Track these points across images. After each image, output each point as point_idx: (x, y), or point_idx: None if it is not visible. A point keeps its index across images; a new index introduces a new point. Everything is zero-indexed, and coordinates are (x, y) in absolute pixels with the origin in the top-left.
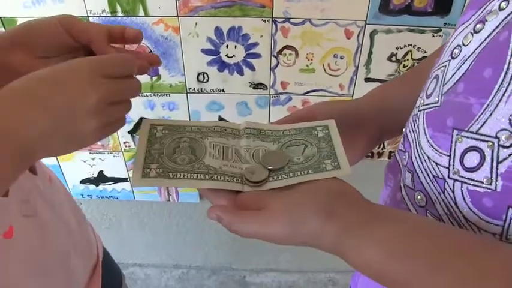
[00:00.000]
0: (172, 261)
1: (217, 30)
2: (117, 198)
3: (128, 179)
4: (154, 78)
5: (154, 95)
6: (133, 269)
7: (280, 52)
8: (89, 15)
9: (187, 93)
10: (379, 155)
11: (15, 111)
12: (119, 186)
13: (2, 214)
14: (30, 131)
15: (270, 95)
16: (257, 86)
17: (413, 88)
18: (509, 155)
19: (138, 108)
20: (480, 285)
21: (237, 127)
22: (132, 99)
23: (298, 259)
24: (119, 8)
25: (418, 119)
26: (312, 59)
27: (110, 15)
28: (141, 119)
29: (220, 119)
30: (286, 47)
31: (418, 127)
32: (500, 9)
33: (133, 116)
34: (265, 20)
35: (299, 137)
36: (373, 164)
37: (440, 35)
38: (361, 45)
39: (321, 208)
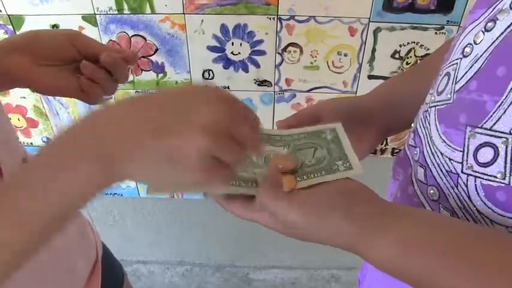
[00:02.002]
0: (176, 258)
1: (223, 28)
2: (122, 195)
3: None
4: (160, 75)
5: None
6: (137, 265)
7: (285, 49)
8: (96, 12)
9: None
10: (382, 151)
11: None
12: (123, 183)
13: None
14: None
15: (274, 92)
16: (262, 83)
17: (419, 83)
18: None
19: None
20: (499, 275)
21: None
22: None
23: (301, 256)
24: (125, 6)
25: (429, 115)
26: (316, 56)
27: (116, 12)
28: None
29: None
30: (291, 44)
31: (429, 123)
32: (506, 12)
33: None
34: (270, 18)
35: (308, 140)
36: (376, 160)
37: (443, 33)
38: (365, 42)
39: (337, 208)
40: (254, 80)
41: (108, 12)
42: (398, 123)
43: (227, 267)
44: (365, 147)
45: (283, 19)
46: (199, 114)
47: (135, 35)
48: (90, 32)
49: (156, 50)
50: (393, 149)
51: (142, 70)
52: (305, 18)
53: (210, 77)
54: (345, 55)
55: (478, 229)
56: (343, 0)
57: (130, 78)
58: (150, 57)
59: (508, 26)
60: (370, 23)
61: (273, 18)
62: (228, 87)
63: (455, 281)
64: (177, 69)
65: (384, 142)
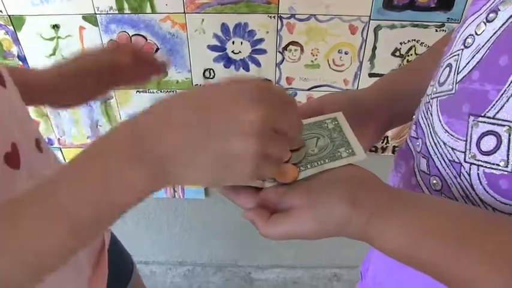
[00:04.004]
0: (178, 258)
1: (224, 27)
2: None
3: None
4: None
5: (161, 91)
6: (138, 266)
7: (285, 48)
8: (97, 12)
9: None
10: (383, 149)
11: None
12: None
13: (11, 184)
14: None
15: None
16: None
17: (421, 75)
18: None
19: (145, 104)
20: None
21: None
22: (138, 96)
23: (303, 255)
24: (126, 5)
25: (431, 106)
26: (317, 55)
27: (117, 12)
28: None
29: None
30: (292, 42)
31: (431, 114)
32: (507, 3)
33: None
34: (271, 16)
35: (310, 131)
36: (377, 158)
37: (443, 30)
38: (366, 40)
39: (344, 197)
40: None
41: (109, 12)
42: (400, 117)
43: (229, 267)
44: (368, 140)
45: (283, 18)
46: (247, 113)
47: (135, 34)
48: (91, 32)
49: (157, 49)
50: (394, 146)
51: None
52: (305, 16)
53: (211, 76)
54: (346, 53)
55: (490, 216)
56: None
57: None
58: None
59: (510, 16)
60: (371, 21)
61: (274, 17)
62: None
63: (468, 269)
64: (178, 68)
65: (385, 140)
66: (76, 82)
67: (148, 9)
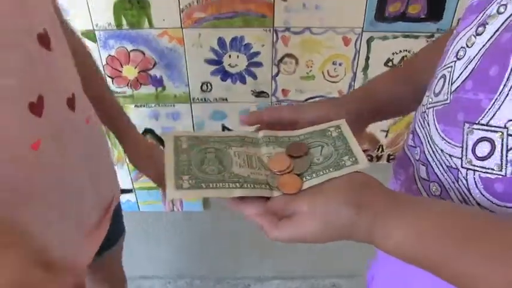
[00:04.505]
0: (177, 271)
1: (220, 41)
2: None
3: (133, 190)
4: (159, 88)
5: (159, 105)
6: (139, 281)
7: (281, 60)
8: (95, 28)
9: (191, 102)
10: (378, 158)
11: None
12: (123, 197)
13: (33, 129)
14: None
15: (271, 102)
16: (259, 94)
17: (402, 82)
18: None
19: (143, 119)
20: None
21: (255, 136)
22: (137, 111)
23: (302, 265)
24: (124, 21)
25: (427, 116)
26: (311, 66)
27: (115, 28)
28: (146, 130)
29: (224, 127)
30: (287, 55)
31: (428, 123)
32: (499, 12)
33: (138, 127)
34: (266, 30)
35: (314, 139)
36: (373, 166)
37: (434, 40)
38: (359, 51)
39: (349, 201)
40: (251, 91)
41: (107, 28)
42: (371, 118)
43: (228, 279)
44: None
45: (279, 31)
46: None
47: (134, 49)
48: (90, 47)
49: (155, 64)
50: (389, 155)
51: (141, 84)
52: (300, 29)
53: (208, 90)
54: (340, 64)
55: (491, 216)
56: (337, 11)
57: (130, 92)
58: (149, 72)
59: (497, 29)
60: (364, 32)
61: (269, 30)
62: (226, 99)
63: (471, 267)
64: (176, 82)
65: (380, 149)
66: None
67: (146, 25)
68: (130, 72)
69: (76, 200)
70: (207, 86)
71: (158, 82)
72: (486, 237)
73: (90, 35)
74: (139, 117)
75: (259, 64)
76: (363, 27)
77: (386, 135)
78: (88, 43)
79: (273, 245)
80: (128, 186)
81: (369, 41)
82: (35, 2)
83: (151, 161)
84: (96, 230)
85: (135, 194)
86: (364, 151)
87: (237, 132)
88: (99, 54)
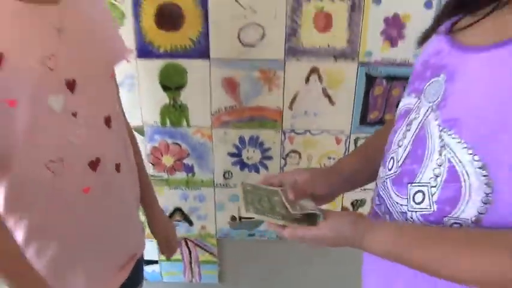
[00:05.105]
0: None
1: (241, 139)
2: (147, 279)
3: (158, 262)
4: (190, 174)
5: (189, 188)
6: None
7: (287, 155)
8: (144, 124)
9: (214, 187)
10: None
11: None
12: (149, 268)
13: (87, 179)
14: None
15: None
16: None
17: (365, 160)
18: (436, 191)
19: (174, 199)
20: (465, 256)
21: (277, 190)
22: (170, 192)
23: None
24: (168, 121)
25: (386, 183)
26: (311, 160)
27: (160, 125)
28: (176, 208)
29: (241, 209)
30: (292, 151)
31: (387, 188)
32: (415, 118)
33: (169, 205)
34: (276, 131)
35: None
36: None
37: (381, 127)
38: (348, 149)
39: (350, 222)
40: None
41: (154, 125)
42: (340, 190)
43: None
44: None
45: (286, 132)
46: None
47: (173, 142)
48: (138, 139)
49: (188, 154)
50: None
51: (175, 170)
52: (302, 131)
53: (229, 177)
54: (334, 158)
55: (444, 228)
56: (330, 118)
57: (165, 177)
58: (183, 160)
59: (417, 127)
60: (351, 134)
61: (279, 132)
62: None
63: (429, 257)
64: (204, 170)
65: None
66: None
67: (184, 124)
68: (168, 160)
69: (111, 243)
70: (228, 174)
71: (189, 169)
72: (435, 238)
73: (140, 129)
74: (171, 197)
75: (270, 157)
76: (350, 130)
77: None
78: (137, 136)
79: None
80: (155, 257)
81: (356, 141)
82: (108, 96)
83: (164, 230)
84: (119, 272)
85: (160, 265)
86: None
87: (275, 188)
88: (145, 145)
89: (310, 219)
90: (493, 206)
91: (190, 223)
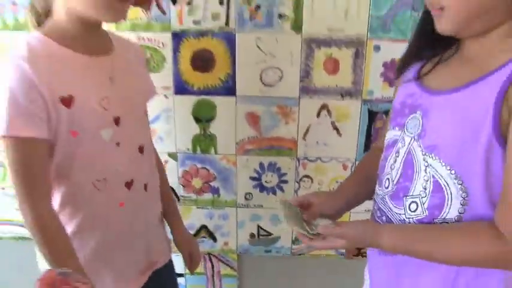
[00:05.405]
0: None
1: (261, 165)
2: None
3: (183, 275)
4: (215, 195)
5: (214, 208)
6: None
7: (301, 179)
8: (178, 151)
9: (236, 207)
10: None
11: None
12: None
13: (123, 195)
14: None
15: None
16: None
17: (363, 182)
18: (426, 200)
19: (201, 217)
20: (454, 247)
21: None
22: (197, 211)
23: None
24: (198, 148)
25: (385, 199)
26: (322, 184)
27: (191, 152)
28: (202, 226)
29: (259, 227)
30: (305, 176)
31: (386, 203)
32: (401, 147)
33: (196, 223)
34: (292, 158)
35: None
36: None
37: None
38: None
39: (363, 226)
40: (280, 200)
41: (186, 152)
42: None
43: None
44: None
45: (300, 159)
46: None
47: (202, 167)
48: (172, 164)
49: (215, 178)
50: None
51: (203, 192)
52: (314, 158)
53: (249, 198)
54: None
55: (442, 225)
56: (338, 147)
57: (194, 197)
58: (210, 183)
59: (405, 153)
60: (356, 161)
61: (294, 159)
62: (262, 206)
63: (427, 248)
64: (228, 192)
65: None
66: None
67: (212, 151)
68: (197, 183)
69: (136, 248)
70: (249, 195)
71: (215, 191)
72: (431, 232)
73: (174, 155)
74: (198, 216)
75: (286, 181)
76: (355, 158)
77: None
78: (170, 161)
79: None
80: (180, 271)
81: None
82: (142, 129)
83: (188, 246)
84: (140, 276)
85: (185, 278)
86: None
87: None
88: (177, 169)
89: None
90: (469, 207)
91: (214, 239)
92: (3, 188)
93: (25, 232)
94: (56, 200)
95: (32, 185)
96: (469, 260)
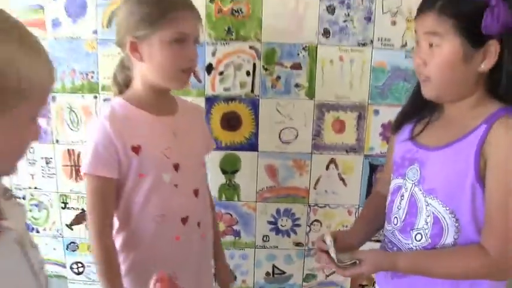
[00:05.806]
0: None
1: (277, 210)
2: None
3: None
4: (237, 237)
5: (234, 248)
6: None
7: (311, 223)
8: None
9: (255, 248)
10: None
11: None
12: None
13: (179, 229)
14: None
15: (304, 250)
16: (297, 244)
17: (366, 223)
18: (428, 231)
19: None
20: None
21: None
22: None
23: None
24: (224, 196)
25: (395, 233)
26: (330, 227)
27: (217, 199)
28: None
29: (274, 267)
30: (315, 220)
31: (396, 236)
32: (405, 191)
33: None
34: (304, 205)
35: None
36: None
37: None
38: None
39: (381, 255)
40: (293, 242)
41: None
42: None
43: None
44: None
45: (311, 205)
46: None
47: (225, 213)
48: None
49: (237, 222)
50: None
51: (226, 234)
52: (323, 205)
53: (266, 240)
54: (346, 226)
55: (446, 249)
56: (344, 195)
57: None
58: (232, 226)
59: (408, 196)
60: (359, 207)
61: (306, 205)
62: (277, 247)
63: (434, 270)
64: (247, 234)
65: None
66: None
67: (236, 199)
68: (221, 226)
69: (189, 279)
70: (266, 237)
71: (237, 233)
72: (436, 256)
73: None
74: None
75: (299, 225)
76: (359, 204)
77: None
78: None
79: None
80: None
81: None
82: (198, 176)
83: (228, 279)
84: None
85: None
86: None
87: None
88: None
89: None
90: (462, 234)
91: (235, 278)
92: (44, 229)
93: (59, 270)
94: (120, 235)
95: (102, 214)
96: (464, 274)
